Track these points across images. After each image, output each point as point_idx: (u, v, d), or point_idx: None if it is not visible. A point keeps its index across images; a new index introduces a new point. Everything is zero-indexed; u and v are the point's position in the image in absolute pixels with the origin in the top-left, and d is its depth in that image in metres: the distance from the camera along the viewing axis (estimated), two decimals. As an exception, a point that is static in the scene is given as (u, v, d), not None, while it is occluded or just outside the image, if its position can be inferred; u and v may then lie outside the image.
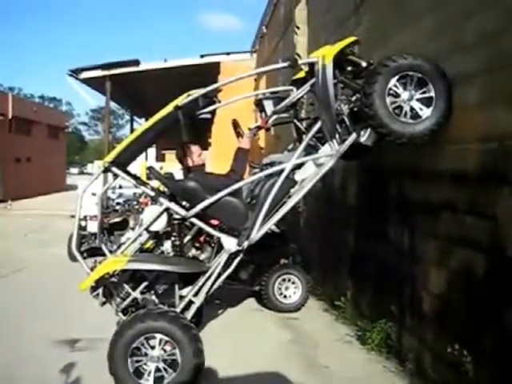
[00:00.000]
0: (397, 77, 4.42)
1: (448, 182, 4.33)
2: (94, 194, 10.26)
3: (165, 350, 4.36)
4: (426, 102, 4.43)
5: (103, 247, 5.00)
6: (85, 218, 10.97)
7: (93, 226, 10.66)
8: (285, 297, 7.25)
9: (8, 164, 27.94)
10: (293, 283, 7.29)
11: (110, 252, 5.11)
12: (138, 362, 4.36)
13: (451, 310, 4.26)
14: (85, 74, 17.66)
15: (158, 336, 4.32)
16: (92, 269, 4.74)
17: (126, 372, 4.30)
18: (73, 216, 12.19)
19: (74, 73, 17.68)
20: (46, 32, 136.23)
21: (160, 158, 23.93)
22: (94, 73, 17.55)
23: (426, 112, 4.42)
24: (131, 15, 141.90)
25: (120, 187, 12.77)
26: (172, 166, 10.94)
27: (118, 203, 11.72)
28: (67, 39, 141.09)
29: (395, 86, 4.44)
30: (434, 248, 4.56)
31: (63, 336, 5.93)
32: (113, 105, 27.99)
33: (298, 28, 10.76)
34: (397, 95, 4.46)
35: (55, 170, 36.42)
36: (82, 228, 11.06)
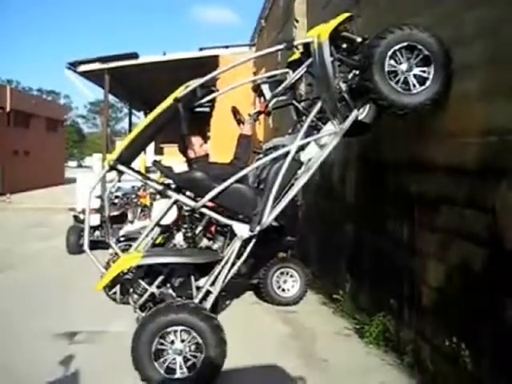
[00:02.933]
0: (404, 44, 4.41)
1: (447, 174, 4.33)
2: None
3: (190, 349, 4.37)
4: (423, 77, 4.45)
5: (113, 245, 4.98)
6: (83, 211, 10.97)
7: (92, 220, 10.66)
8: (283, 290, 7.26)
9: (7, 157, 27.90)
10: (291, 276, 7.30)
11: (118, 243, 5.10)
12: (162, 350, 4.37)
13: (449, 303, 4.26)
14: (83, 67, 17.57)
15: (190, 331, 4.33)
16: (106, 268, 4.74)
17: (147, 355, 4.30)
18: (71, 209, 12.26)
19: (73, 66, 17.59)
20: (44, 25, 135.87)
21: (158, 151, 23.84)
22: (92, 66, 17.45)
23: (419, 88, 4.44)
24: (129, 9, 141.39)
25: (118, 181, 12.75)
26: (171, 159, 10.93)
27: (116, 196, 11.71)
28: (65, 32, 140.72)
29: (400, 51, 4.43)
30: (432, 241, 4.56)
31: (62, 329, 5.93)
32: (111, 98, 27.87)
33: (297, 21, 10.72)
34: (398, 62, 4.46)
35: (54, 163, 36.36)
36: (80, 221, 11.09)
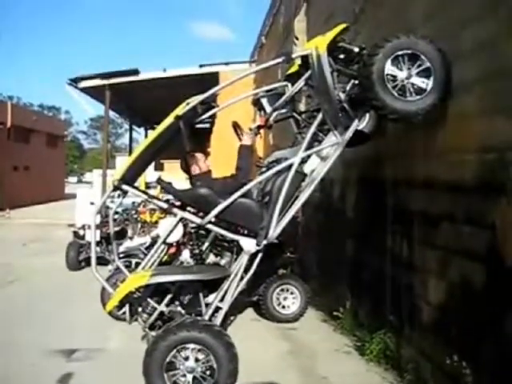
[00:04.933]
0: (408, 51, 4.48)
1: (447, 192, 4.34)
2: (92, 204, 10.28)
3: (203, 371, 4.29)
4: (421, 88, 4.50)
5: (120, 265, 4.95)
6: (83, 227, 10.95)
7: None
8: (283, 307, 7.21)
9: (7, 172, 27.93)
10: (291, 293, 7.26)
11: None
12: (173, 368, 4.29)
13: (450, 320, 4.24)
14: (84, 83, 17.72)
15: (203, 349, 4.27)
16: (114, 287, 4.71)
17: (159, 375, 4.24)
18: (70, 225, 12.22)
19: (74, 82, 17.74)
20: (46, 41, 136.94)
21: (159, 167, 23.91)
22: (93, 82, 17.60)
23: (413, 97, 4.49)
24: (128, 25, 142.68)
25: (118, 196, 12.72)
26: (171, 175, 10.93)
27: (116, 212, 11.69)
28: (66, 49, 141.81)
29: (402, 57, 4.49)
30: (432, 258, 4.55)
31: (60, 346, 5.88)
32: (112, 114, 28.02)
33: (297, 38, 10.81)
34: (398, 67, 4.53)
35: (54, 179, 36.38)
36: (80, 237, 11.05)
